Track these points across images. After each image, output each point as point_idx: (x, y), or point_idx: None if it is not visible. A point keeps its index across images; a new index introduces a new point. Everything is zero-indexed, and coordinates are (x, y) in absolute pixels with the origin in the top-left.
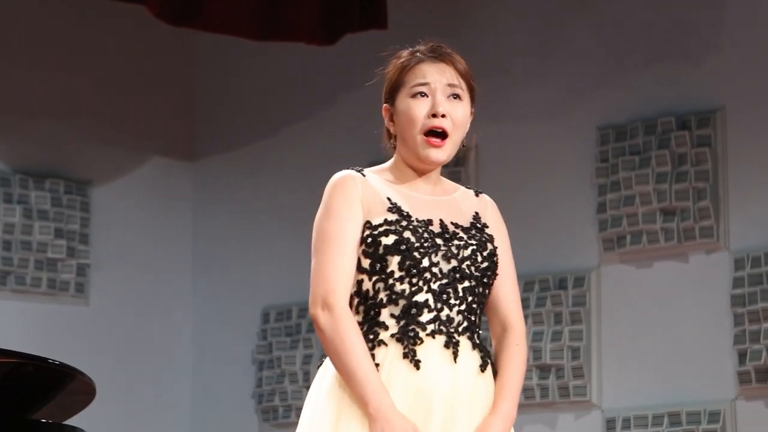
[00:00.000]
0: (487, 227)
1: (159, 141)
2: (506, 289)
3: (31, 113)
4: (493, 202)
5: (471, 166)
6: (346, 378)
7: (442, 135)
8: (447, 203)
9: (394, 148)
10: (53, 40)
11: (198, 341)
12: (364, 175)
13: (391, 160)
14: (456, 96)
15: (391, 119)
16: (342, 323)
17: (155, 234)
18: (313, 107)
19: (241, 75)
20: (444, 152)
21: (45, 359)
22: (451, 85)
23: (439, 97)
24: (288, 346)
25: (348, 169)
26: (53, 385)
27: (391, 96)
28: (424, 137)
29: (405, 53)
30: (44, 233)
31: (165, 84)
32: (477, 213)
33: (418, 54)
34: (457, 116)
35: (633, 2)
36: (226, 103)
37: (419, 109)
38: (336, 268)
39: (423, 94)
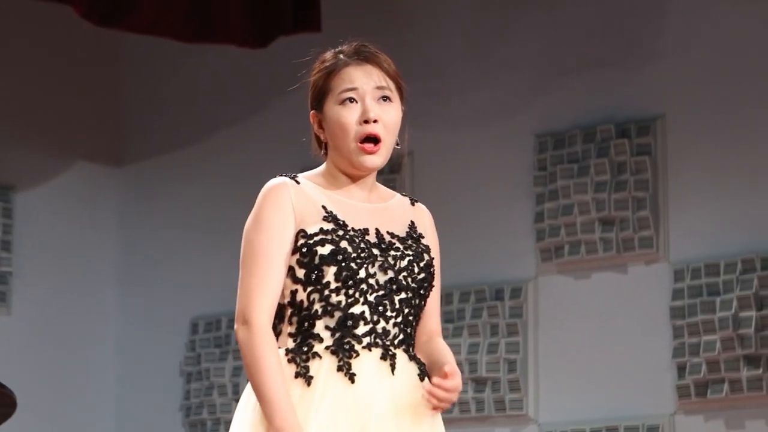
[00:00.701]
0: (423, 237)
1: (84, 145)
2: (434, 302)
3: None
4: (428, 211)
5: (406, 173)
6: (257, 395)
7: (375, 140)
8: (383, 211)
9: (325, 154)
10: None
11: (124, 352)
12: (298, 182)
13: (323, 167)
14: (386, 98)
15: (320, 126)
16: (258, 341)
17: (80, 241)
18: (244, 112)
19: (169, 78)
20: (379, 157)
21: None
22: (379, 88)
23: (369, 102)
24: (217, 357)
25: (281, 175)
26: None
27: (318, 102)
28: (358, 144)
29: (328, 56)
30: None
31: (90, 86)
32: (413, 222)
33: (341, 56)
34: (389, 120)
35: (573, 8)
36: (153, 107)
37: (350, 116)
38: (261, 284)
39: (352, 100)
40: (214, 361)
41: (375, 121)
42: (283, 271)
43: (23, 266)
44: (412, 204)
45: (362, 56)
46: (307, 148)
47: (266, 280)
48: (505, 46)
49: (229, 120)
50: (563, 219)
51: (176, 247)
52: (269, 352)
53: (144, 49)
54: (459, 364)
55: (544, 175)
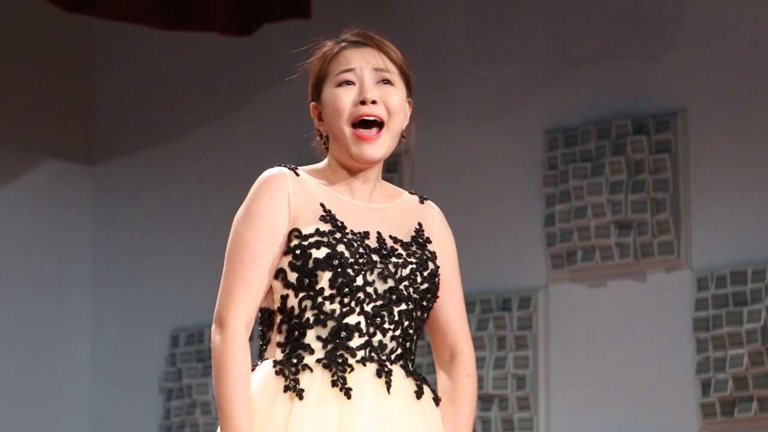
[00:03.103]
0: (430, 242)
1: (52, 142)
2: (455, 311)
3: None
4: (439, 211)
5: (404, 172)
6: (217, 405)
7: (376, 124)
8: (386, 212)
9: (326, 149)
10: None
11: (98, 366)
12: (297, 174)
13: (325, 161)
14: (387, 81)
15: (320, 118)
16: (228, 349)
17: (49, 246)
18: (227, 105)
19: (145, 69)
20: (378, 147)
21: None
22: (378, 70)
23: (367, 82)
24: (200, 372)
25: (280, 165)
26: None
27: (317, 91)
28: (353, 131)
29: (328, 43)
30: None
31: (59, 78)
32: (420, 225)
33: (340, 41)
34: (392, 102)
35: None
36: (128, 100)
37: (345, 97)
38: (242, 284)
39: (349, 82)
40: (196, 377)
41: (374, 102)
42: (270, 272)
43: None
44: (421, 202)
45: (363, 40)
46: (302, 142)
47: (249, 282)
48: (510, 33)
49: (212, 114)
50: (576, 222)
51: (155, 251)
52: (238, 363)
53: (118, 37)
54: None
55: (554, 174)
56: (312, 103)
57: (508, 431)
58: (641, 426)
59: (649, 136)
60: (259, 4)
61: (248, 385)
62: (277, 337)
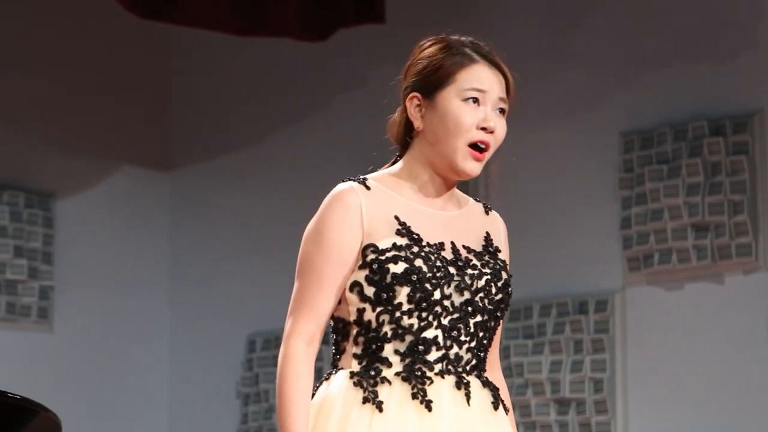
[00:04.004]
0: (500, 251)
1: (130, 149)
2: (497, 339)
3: None
4: (503, 221)
5: (480, 175)
6: (279, 421)
7: (482, 149)
8: (458, 220)
9: (403, 146)
10: (12, 41)
11: (176, 372)
12: (368, 188)
13: (400, 164)
14: (502, 110)
15: (420, 113)
16: (286, 364)
17: (127, 252)
18: (302, 110)
19: (220, 75)
20: (481, 167)
21: (4, 393)
22: (501, 99)
23: (489, 111)
24: (276, 377)
25: (350, 179)
26: (13, 422)
27: (432, 87)
28: (469, 148)
29: (445, 42)
30: (2, 252)
31: (136, 85)
32: (488, 234)
33: (467, 50)
34: (500, 133)
35: None
36: (204, 107)
37: (470, 116)
38: (308, 304)
39: (475, 100)
40: (273, 382)
41: (492, 132)
42: (337, 291)
43: (65, 280)
44: (486, 213)
45: (493, 60)
46: (377, 147)
47: (314, 302)
48: (585, 36)
49: (286, 119)
50: (652, 225)
51: (231, 255)
52: (296, 383)
53: (193, 44)
54: (540, 384)
55: (630, 176)
56: (414, 93)
57: None
58: (719, 429)
59: (726, 138)
60: (334, 9)
61: (306, 403)
62: (353, 348)
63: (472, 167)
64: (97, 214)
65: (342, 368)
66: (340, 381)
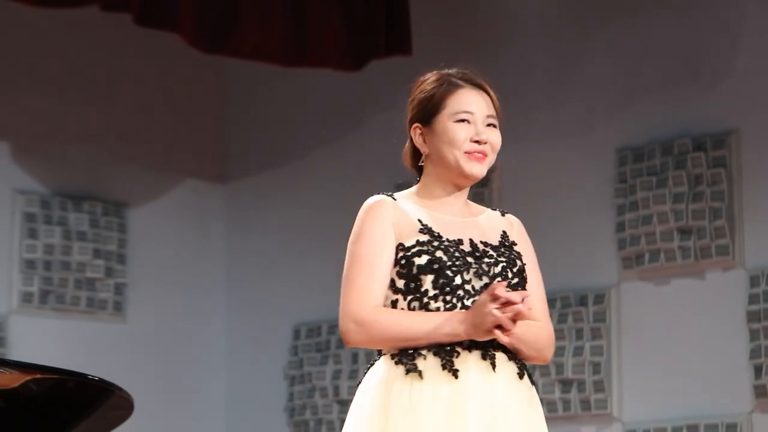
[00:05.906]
0: (516, 245)
1: (191, 164)
2: (536, 306)
3: (69, 139)
4: (518, 221)
5: (495, 186)
6: (416, 342)
7: (481, 155)
8: (475, 224)
9: (418, 169)
10: (91, 68)
11: (231, 357)
12: (395, 200)
13: (418, 185)
14: (492, 124)
15: (423, 139)
16: (377, 318)
17: (189, 254)
18: (340, 130)
19: (270, 99)
20: (484, 167)
21: (84, 375)
22: (489, 116)
23: (480, 126)
24: (318, 361)
25: (379, 194)
26: (92, 401)
27: (428, 116)
28: (466, 153)
29: (439, 76)
30: (83, 254)
31: (196, 108)
32: (504, 232)
33: (453, 78)
34: (495, 141)
35: (650, 27)
36: (255, 127)
37: (463, 132)
38: (365, 288)
39: (466, 121)
40: (315, 365)
41: (484, 143)
42: (385, 280)
43: (137, 278)
44: (503, 216)
45: (476, 84)
46: (399, 164)
47: (370, 286)
48: (586, 65)
49: (327, 138)
50: (643, 229)
51: (279, 257)
52: (394, 314)
53: (247, 73)
54: (546, 367)
55: (624, 187)
56: (417, 124)
57: (586, 410)
58: (701, 404)
59: (707, 153)
60: (367, 42)
61: (414, 313)
62: None
63: (473, 166)
64: (163, 221)
65: (384, 353)
66: (383, 364)
